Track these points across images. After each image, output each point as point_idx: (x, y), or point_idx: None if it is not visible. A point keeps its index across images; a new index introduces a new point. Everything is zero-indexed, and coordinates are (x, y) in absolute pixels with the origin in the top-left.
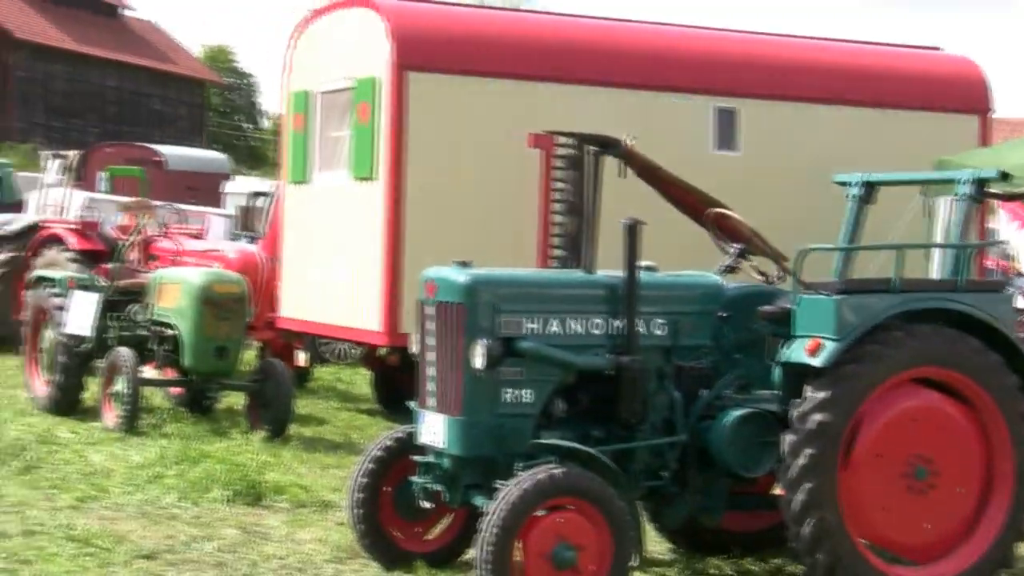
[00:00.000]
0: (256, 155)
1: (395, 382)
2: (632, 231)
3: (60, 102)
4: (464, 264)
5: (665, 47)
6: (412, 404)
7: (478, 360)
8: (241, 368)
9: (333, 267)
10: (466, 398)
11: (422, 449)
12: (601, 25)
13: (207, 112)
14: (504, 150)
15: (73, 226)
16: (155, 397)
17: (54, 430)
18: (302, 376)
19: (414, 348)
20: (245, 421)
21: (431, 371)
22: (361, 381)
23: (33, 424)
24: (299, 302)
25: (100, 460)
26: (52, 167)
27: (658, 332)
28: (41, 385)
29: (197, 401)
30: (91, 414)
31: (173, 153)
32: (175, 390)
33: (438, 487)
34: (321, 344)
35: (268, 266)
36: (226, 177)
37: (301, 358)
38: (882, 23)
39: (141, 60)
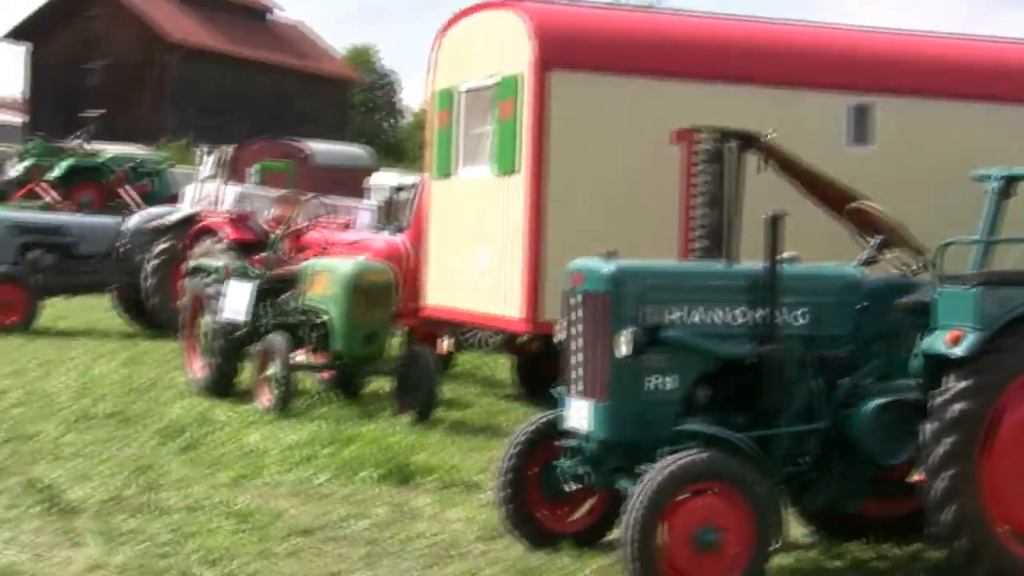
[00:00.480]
0: (397, 150)
1: (536, 368)
2: (774, 223)
3: (212, 101)
4: (610, 255)
5: (802, 44)
6: (558, 390)
7: (623, 348)
8: (388, 354)
9: (476, 257)
10: (611, 385)
11: (568, 433)
12: (739, 23)
13: (350, 109)
14: (643, 145)
15: (227, 218)
16: (306, 381)
17: (212, 411)
18: (445, 362)
19: (560, 336)
20: (392, 405)
21: (577, 358)
22: (502, 367)
23: (192, 405)
24: (443, 291)
25: (256, 440)
26: (207, 162)
27: (799, 322)
28: (199, 368)
29: (346, 385)
30: (246, 396)
31: (319, 148)
32: (325, 374)
33: (583, 470)
34: (463, 331)
35: (413, 256)
36: (370, 171)
37: (445, 345)
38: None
39: (288, 60)
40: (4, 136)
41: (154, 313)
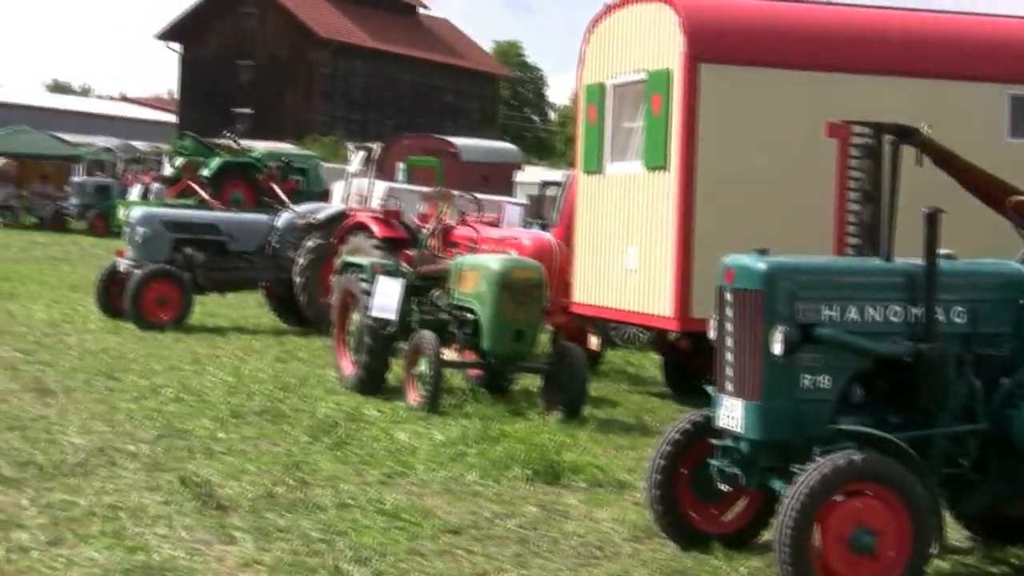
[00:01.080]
0: (544, 145)
1: (685, 366)
2: (932, 220)
3: (360, 97)
4: (762, 252)
5: (959, 34)
6: (710, 388)
7: (777, 346)
8: (537, 351)
9: (625, 254)
10: (764, 383)
11: (719, 432)
12: (892, 14)
13: (498, 105)
14: (794, 140)
15: (377, 214)
16: (455, 378)
17: (361, 408)
18: (594, 359)
19: (712, 334)
20: (541, 402)
21: (729, 357)
22: (650, 365)
23: (342, 402)
24: (591, 287)
25: (405, 438)
26: (355, 158)
27: (957, 320)
28: (349, 365)
29: (495, 382)
30: (395, 393)
31: (467, 144)
32: (474, 372)
33: (735, 470)
34: (612, 328)
35: (561, 253)
36: (517, 167)
37: (593, 342)
38: None
39: (436, 56)
40: (158, 134)
41: (304, 310)
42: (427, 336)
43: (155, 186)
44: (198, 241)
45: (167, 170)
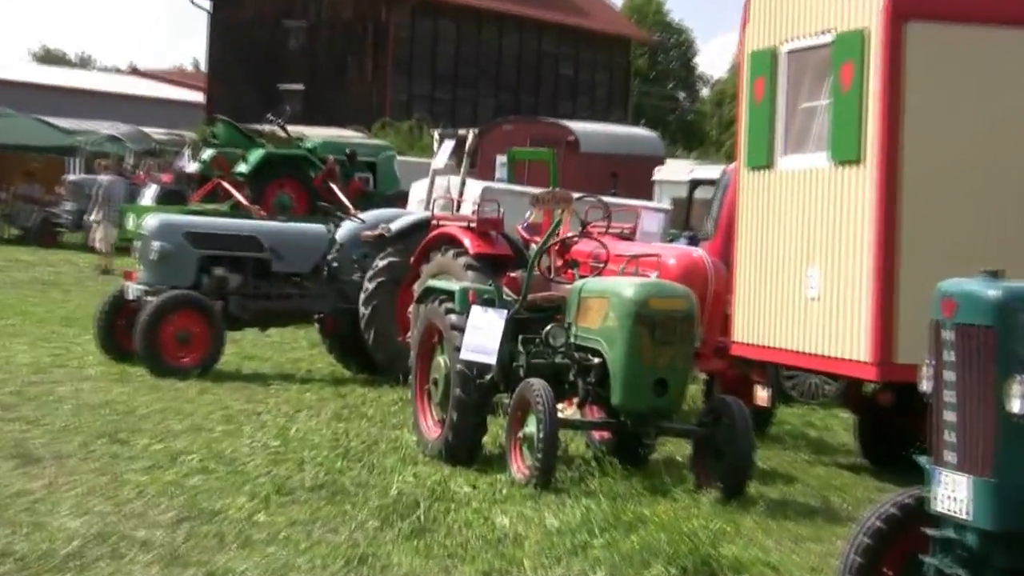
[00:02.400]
0: (692, 132)
1: (887, 428)
2: None
3: (447, 68)
4: (995, 274)
5: None
6: (922, 460)
7: (1016, 403)
8: (685, 407)
9: (804, 277)
10: (1000, 453)
11: (936, 520)
12: None
13: (632, 78)
14: None
15: (470, 224)
16: (575, 442)
17: (449, 483)
18: (763, 419)
19: (925, 385)
20: (691, 476)
21: (950, 416)
22: (839, 426)
23: (423, 475)
24: (758, 322)
25: (508, 523)
26: (442, 150)
27: None
28: (432, 426)
29: (629, 449)
30: (495, 463)
31: (590, 131)
32: (601, 434)
33: (960, 571)
34: (786, 377)
35: (718, 275)
36: (658, 161)
37: (761, 395)
38: None
39: (550, 15)
40: (181, 118)
41: (373, 351)
42: (538, 386)
43: (174, 186)
44: (232, 259)
45: (192, 166)
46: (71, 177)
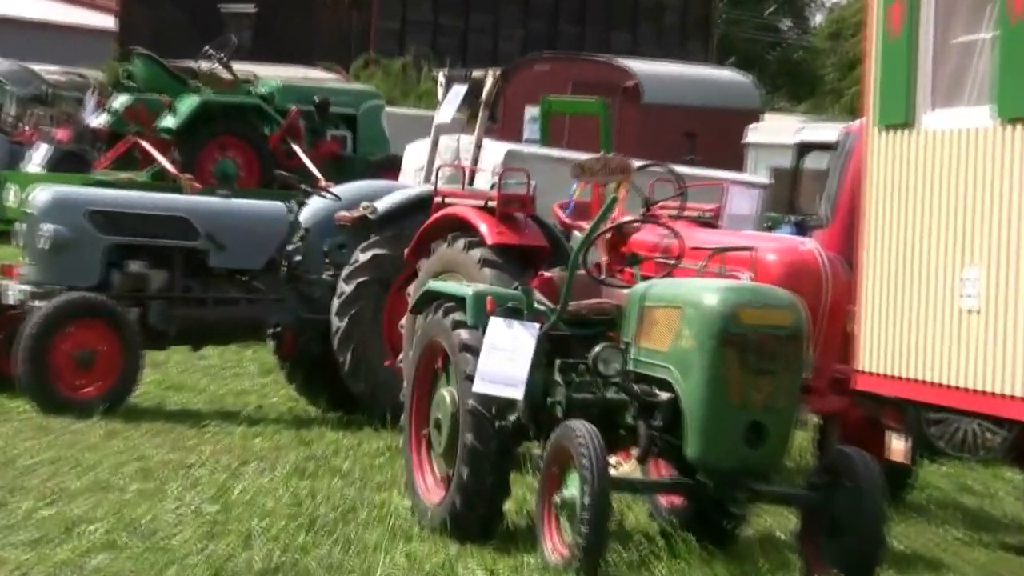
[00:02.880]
0: (801, 76)
1: None
2: None
3: None
4: None
5: None
6: None
7: None
8: (790, 463)
9: (959, 281)
10: None
11: None
12: None
13: (715, 2)
14: None
15: (488, 203)
16: (634, 510)
17: (456, 567)
18: (899, 479)
19: None
20: (797, 560)
21: None
22: (1005, 492)
23: (419, 555)
24: (892, 344)
25: None
26: (450, 98)
27: None
28: (433, 486)
29: (710, 521)
30: (520, 539)
31: (656, 73)
32: (670, 499)
33: None
34: (932, 422)
35: (836, 278)
36: (753, 116)
37: (897, 447)
38: None
39: None
40: (83, 52)
41: (350, 379)
42: (582, 432)
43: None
44: (154, 250)
45: (98, 118)
46: None
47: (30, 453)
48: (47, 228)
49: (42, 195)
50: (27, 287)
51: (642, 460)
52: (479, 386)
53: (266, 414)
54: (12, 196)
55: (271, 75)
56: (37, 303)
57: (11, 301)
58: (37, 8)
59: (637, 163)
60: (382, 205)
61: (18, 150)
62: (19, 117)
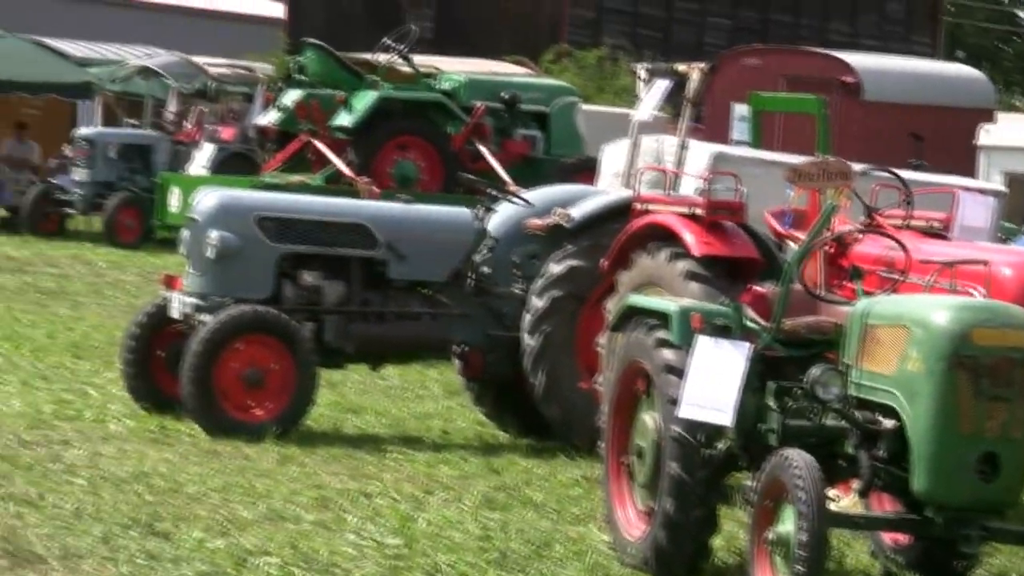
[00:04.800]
0: None
1: None
2: None
3: None
4: None
5: None
6: None
7: None
8: None
9: None
10: None
11: None
12: None
13: None
14: None
15: (694, 210)
16: (855, 548)
17: None
18: None
19: None
20: None
21: None
22: None
23: None
24: None
25: None
26: (652, 94)
27: None
28: (634, 519)
29: (939, 561)
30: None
31: (878, 68)
32: (895, 537)
33: None
34: None
35: None
36: (986, 116)
37: None
38: None
39: None
40: (250, 42)
41: (543, 402)
42: (798, 463)
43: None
44: (329, 260)
45: (267, 115)
46: (83, 131)
47: (198, 480)
48: (214, 236)
49: (208, 200)
50: (192, 299)
51: (863, 493)
52: (685, 411)
53: (452, 439)
54: (175, 200)
55: (455, 69)
56: (203, 317)
57: (175, 315)
58: None
59: (858, 167)
60: (577, 212)
61: (181, 150)
62: (182, 114)
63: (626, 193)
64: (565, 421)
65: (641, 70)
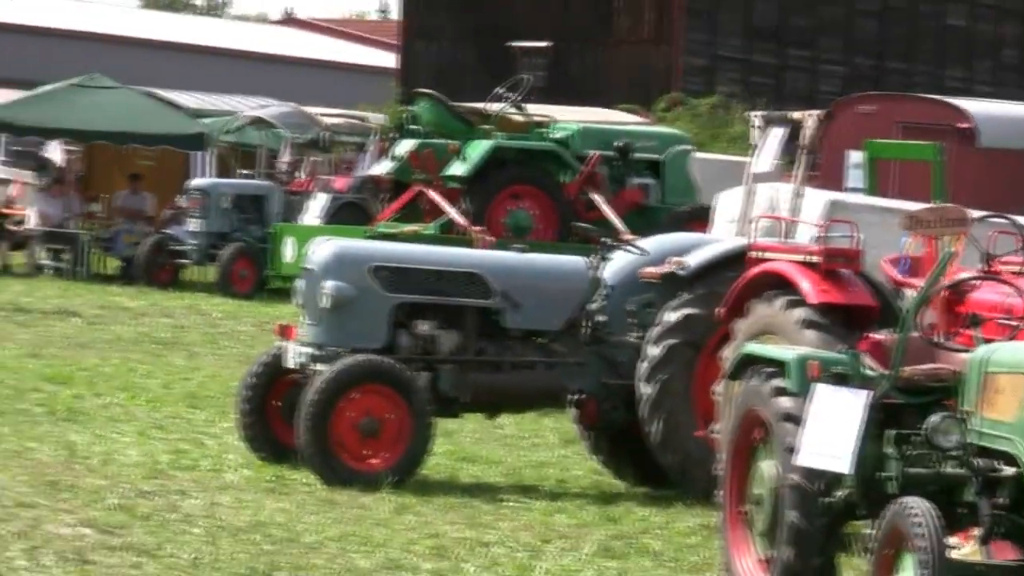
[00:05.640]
0: None
1: None
2: None
3: (770, 15)
4: None
5: None
6: None
7: None
8: None
9: None
10: None
11: None
12: None
13: None
14: None
15: (810, 258)
16: None
17: None
18: None
19: None
20: None
21: None
22: None
23: None
24: None
25: None
26: (767, 142)
27: None
28: (753, 568)
29: None
30: None
31: (995, 114)
32: None
33: None
34: None
35: None
36: None
37: None
38: None
39: None
40: (363, 92)
41: (659, 450)
42: (918, 510)
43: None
44: (444, 310)
45: (380, 165)
46: (197, 182)
47: (315, 529)
48: (329, 286)
49: (323, 250)
50: (308, 349)
51: (984, 541)
52: (803, 459)
53: (568, 488)
54: (289, 251)
55: (567, 117)
56: (319, 367)
57: (291, 364)
58: (313, 47)
59: (975, 214)
60: (692, 260)
61: (294, 200)
62: (295, 165)
63: (741, 241)
64: (682, 469)
65: (756, 118)
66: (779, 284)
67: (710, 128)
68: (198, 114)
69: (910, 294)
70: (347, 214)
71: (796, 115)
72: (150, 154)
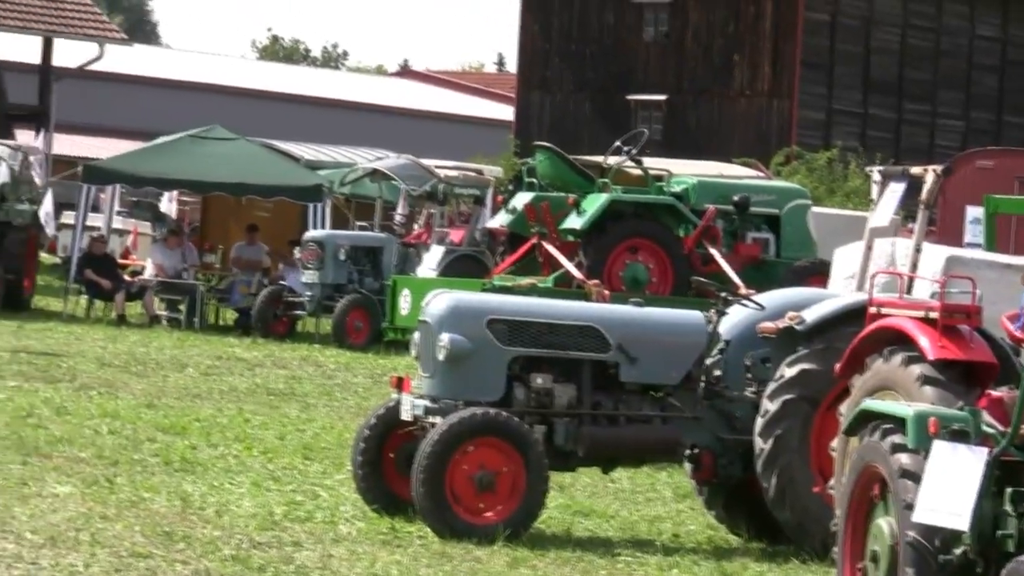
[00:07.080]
0: None
1: None
2: None
3: (888, 69)
4: None
5: None
6: None
7: None
8: None
9: None
10: None
11: None
12: None
13: None
14: None
15: (929, 314)
16: None
17: None
18: None
19: None
20: None
21: None
22: None
23: None
24: None
25: None
26: (886, 197)
27: None
28: None
29: None
30: None
31: None
32: None
33: None
34: None
35: None
36: None
37: None
38: None
39: None
40: (479, 144)
41: (776, 506)
42: None
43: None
44: (561, 363)
45: (497, 218)
46: (313, 233)
47: None
48: (445, 338)
49: (439, 302)
50: (423, 402)
51: None
52: (921, 516)
53: (683, 543)
54: (405, 303)
55: (685, 171)
56: (434, 419)
57: (406, 417)
58: (429, 99)
59: None
60: (810, 315)
61: (410, 252)
62: (411, 216)
63: (860, 296)
64: (798, 525)
65: (875, 173)
66: (898, 340)
67: (826, 182)
68: (314, 165)
69: None
70: (463, 266)
71: (915, 170)
72: (266, 205)
